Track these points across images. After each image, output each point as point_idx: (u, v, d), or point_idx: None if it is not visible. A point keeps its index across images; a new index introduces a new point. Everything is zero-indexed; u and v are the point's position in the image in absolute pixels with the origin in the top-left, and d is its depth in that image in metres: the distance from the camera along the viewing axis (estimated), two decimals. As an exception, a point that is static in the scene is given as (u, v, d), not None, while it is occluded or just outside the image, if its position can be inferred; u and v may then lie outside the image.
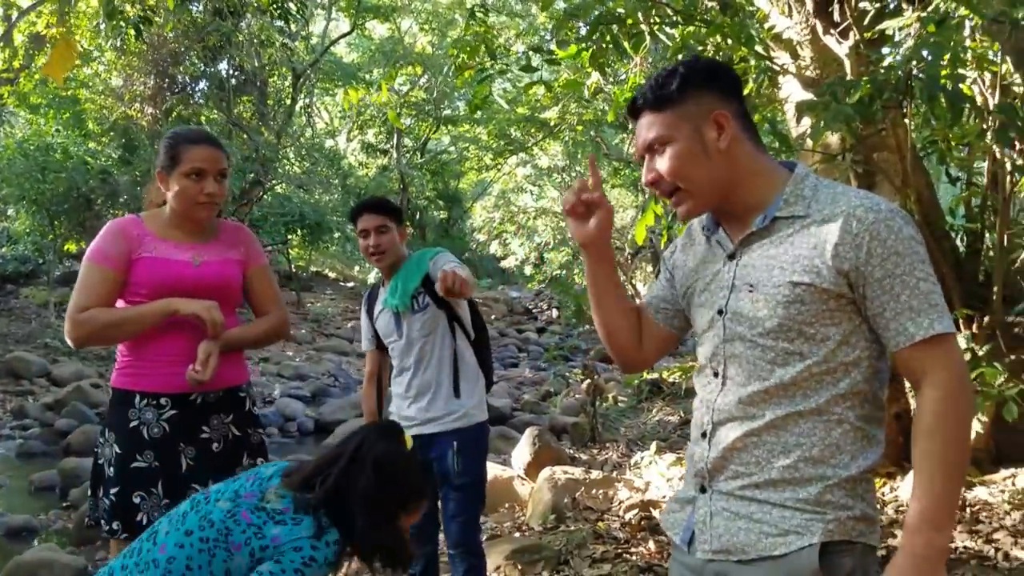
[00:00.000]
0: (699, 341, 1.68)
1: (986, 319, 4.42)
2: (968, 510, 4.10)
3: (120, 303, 2.53)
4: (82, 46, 14.03)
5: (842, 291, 1.47)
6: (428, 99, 22.94)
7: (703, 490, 1.61)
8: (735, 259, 1.60)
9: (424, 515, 2.23)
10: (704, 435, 1.61)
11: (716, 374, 1.61)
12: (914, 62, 3.08)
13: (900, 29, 4.02)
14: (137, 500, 2.46)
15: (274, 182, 18.04)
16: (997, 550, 3.68)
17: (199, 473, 2.50)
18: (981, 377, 4.05)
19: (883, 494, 4.44)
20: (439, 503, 3.18)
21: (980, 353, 4.17)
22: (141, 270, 2.51)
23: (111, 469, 2.50)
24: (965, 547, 3.74)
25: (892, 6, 4.27)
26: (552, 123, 13.71)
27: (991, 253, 4.71)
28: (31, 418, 9.17)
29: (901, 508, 4.26)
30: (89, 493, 2.62)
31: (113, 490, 2.48)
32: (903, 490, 4.42)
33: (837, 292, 1.47)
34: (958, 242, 5.02)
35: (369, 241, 3.18)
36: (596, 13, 3.87)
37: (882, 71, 3.06)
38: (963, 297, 4.51)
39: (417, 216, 25.15)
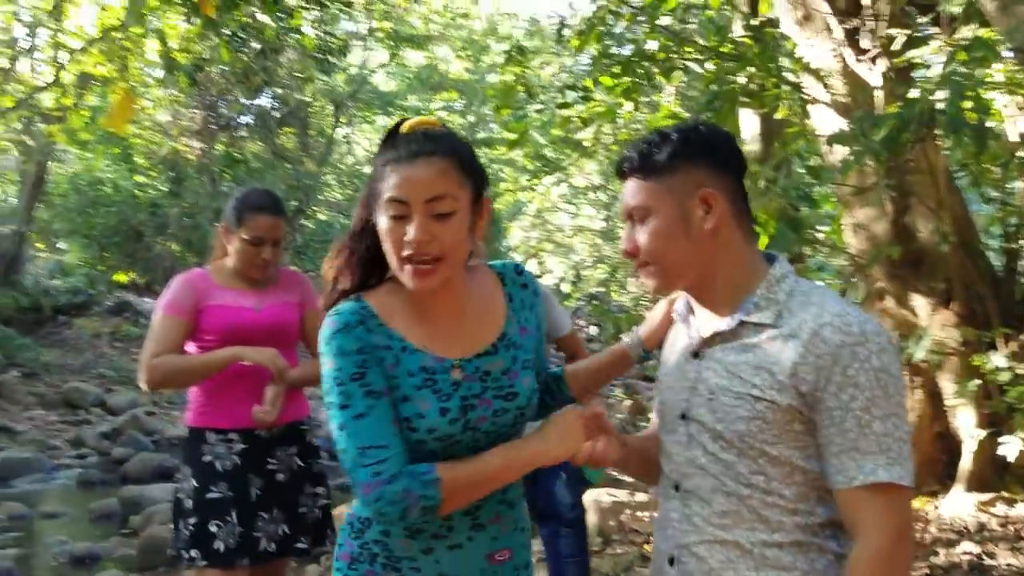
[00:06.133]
0: (660, 445, 1.52)
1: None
2: (1011, 527, 4.13)
3: (192, 347, 2.73)
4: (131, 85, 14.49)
5: (805, 413, 1.32)
6: (464, 123, 23.26)
7: None
8: (698, 358, 1.44)
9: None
10: (671, 561, 1.43)
11: (676, 487, 1.44)
12: (940, 94, 3.17)
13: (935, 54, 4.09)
14: (214, 529, 2.64)
15: (315, 209, 18.43)
16: (1040, 568, 3.71)
17: (267, 502, 2.69)
18: (1021, 395, 4.10)
19: (926, 512, 4.47)
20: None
21: (1020, 372, 4.22)
22: (209, 317, 2.71)
23: (189, 501, 2.69)
24: (1008, 564, 3.77)
25: (923, 31, 4.35)
26: (587, 144, 13.84)
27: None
28: (88, 447, 9.32)
29: (944, 527, 4.30)
30: (172, 526, 2.82)
31: (192, 520, 2.66)
32: (944, 508, 4.46)
33: (800, 414, 1.32)
34: (995, 261, 5.06)
35: None
36: (628, 53, 4.02)
37: (908, 104, 3.15)
38: (1001, 316, 4.56)
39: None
